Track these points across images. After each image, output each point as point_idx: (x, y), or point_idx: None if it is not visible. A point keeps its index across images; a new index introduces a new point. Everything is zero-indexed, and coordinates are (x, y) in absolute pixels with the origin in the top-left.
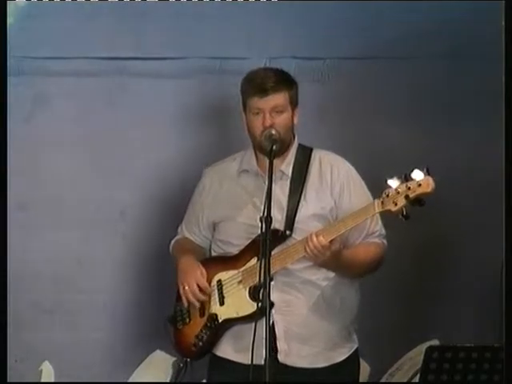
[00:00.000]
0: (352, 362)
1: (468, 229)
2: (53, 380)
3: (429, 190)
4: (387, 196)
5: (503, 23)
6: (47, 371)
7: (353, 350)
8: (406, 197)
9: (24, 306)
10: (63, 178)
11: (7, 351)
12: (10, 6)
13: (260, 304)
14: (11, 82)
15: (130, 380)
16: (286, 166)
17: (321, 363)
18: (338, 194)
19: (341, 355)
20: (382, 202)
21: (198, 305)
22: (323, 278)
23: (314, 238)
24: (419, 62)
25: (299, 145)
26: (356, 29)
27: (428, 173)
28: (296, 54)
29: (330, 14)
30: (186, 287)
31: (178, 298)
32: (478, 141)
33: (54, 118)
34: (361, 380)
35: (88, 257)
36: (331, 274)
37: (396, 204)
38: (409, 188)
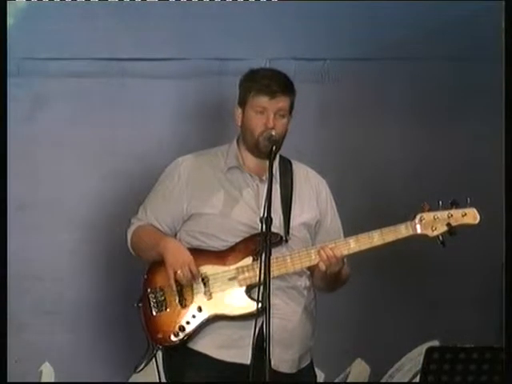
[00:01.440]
0: (312, 369)
1: (468, 228)
2: (53, 381)
3: (476, 222)
4: (420, 220)
5: (503, 24)
6: (47, 372)
7: (311, 359)
8: (448, 224)
9: (24, 306)
10: (63, 178)
11: (7, 351)
12: (9, 7)
13: (260, 304)
14: (11, 82)
15: (130, 380)
16: (274, 169)
17: (292, 369)
18: (324, 209)
19: (304, 362)
20: (416, 225)
21: (186, 284)
22: (304, 286)
23: (329, 251)
24: (420, 62)
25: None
26: (356, 30)
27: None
28: (296, 54)
29: (330, 14)
30: (179, 271)
31: (149, 283)
32: (478, 141)
33: (54, 118)
34: (361, 380)
35: (88, 257)
36: (309, 284)
37: (434, 230)
38: (450, 216)
